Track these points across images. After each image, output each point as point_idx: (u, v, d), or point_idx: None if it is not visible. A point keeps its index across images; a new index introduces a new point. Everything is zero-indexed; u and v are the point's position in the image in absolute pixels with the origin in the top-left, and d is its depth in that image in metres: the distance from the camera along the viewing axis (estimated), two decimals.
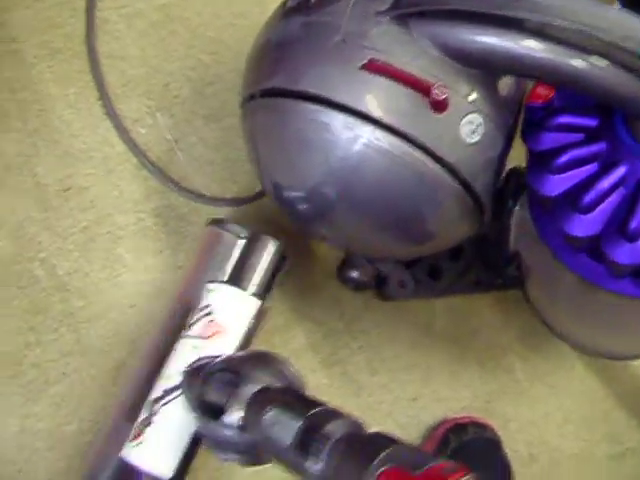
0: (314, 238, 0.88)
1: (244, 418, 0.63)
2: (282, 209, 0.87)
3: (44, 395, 0.89)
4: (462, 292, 1.02)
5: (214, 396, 0.66)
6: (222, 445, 0.67)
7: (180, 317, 0.83)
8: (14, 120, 0.94)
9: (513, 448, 0.99)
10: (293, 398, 0.63)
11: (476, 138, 0.73)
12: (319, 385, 0.96)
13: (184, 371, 0.74)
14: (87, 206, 0.94)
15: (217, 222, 0.90)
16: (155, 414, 0.76)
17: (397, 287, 0.95)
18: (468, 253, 0.99)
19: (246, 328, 0.81)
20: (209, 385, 0.67)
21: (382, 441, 0.54)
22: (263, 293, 0.85)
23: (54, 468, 0.88)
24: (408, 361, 1.00)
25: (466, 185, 0.74)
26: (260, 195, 0.97)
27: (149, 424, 0.76)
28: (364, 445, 0.54)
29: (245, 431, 0.63)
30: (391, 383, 0.99)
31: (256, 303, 0.83)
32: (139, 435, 0.77)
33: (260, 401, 0.62)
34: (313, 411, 0.58)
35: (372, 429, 0.88)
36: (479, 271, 1.00)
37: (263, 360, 0.69)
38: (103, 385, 0.90)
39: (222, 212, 0.96)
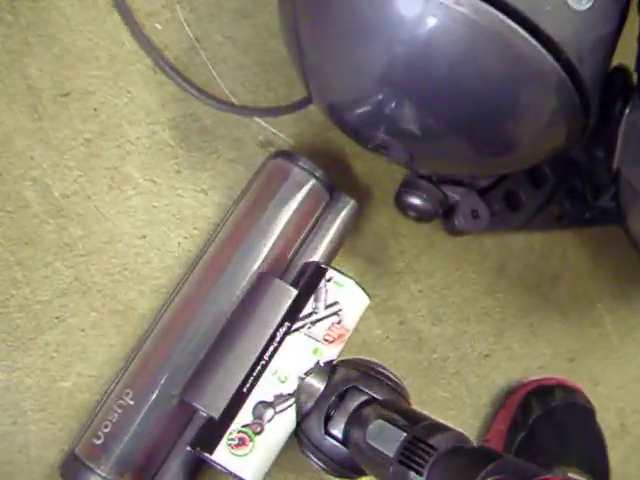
0: (371, 150, 0.69)
1: (345, 429, 0.63)
2: (332, 115, 0.70)
3: (34, 344, 0.72)
4: (543, 227, 0.85)
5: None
6: (319, 453, 0.64)
7: (233, 262, 0.71)
8: (1, 12, 0.76)
9: (602, 416, 0.82)
10: (398, 410, 0.60)
11: (586, 4, 0.56)
12: (372, 337, 0.79)
13: (301, 379, 0.66)
14: (90, 115, 0.76)
15: (285, 155, 0.75)
16: (267, 421, 0.64)
17: (468, 218, 0.77)
18: (551, 179, 0.81)
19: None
20: (329, 400, 0.65)
21: (489, 453, 0.50)
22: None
23: (47, 432, 0.71)
24: (478, 310, 0.82)
25: (570, 68, 0.58)
26: (300, 105, 0.79)
27: (260, 432, 0.64)
28: (470, 457, 0.50)
29: (345, 444, 0.62)
30: (458, 336, 0.81)
31: (367, 304, 0.71)
32: (245, 443, 0.63)
33: (365, 412, 0.61)
34: (419, 424, 0.56)
35: (435, 390, 0.72)
36: (563, 202, 0.82)
37: (370, 371, 0.66)
38: (106, 333, 0.73)
39: (253, 124, 0.78)
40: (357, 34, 0.59)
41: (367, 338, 0.78)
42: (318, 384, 0.65)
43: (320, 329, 0.67)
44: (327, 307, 0.68)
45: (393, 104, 0.60)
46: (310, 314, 0.67)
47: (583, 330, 0.88)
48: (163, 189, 0.76)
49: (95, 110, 0.76)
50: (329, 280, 0.68)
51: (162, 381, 0.68)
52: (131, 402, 0.68)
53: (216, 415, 0.64)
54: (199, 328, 0.70)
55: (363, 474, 0.64)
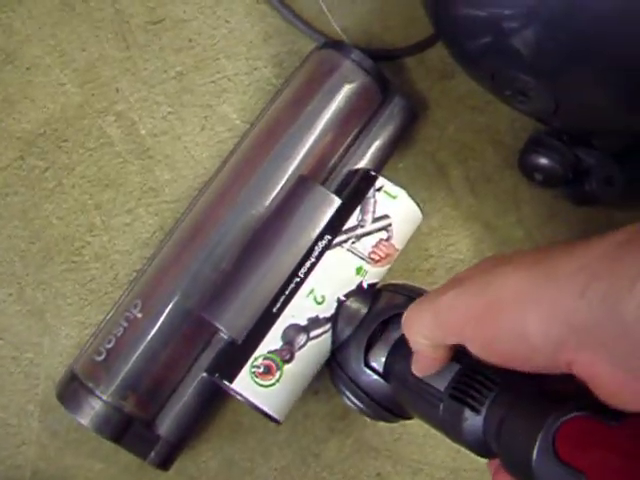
0: (506, 98, 0.57)
1: (387, 361, 0.51)
2: (466, 54, 0.57)
3: (110, 299, 0.60)
4: None
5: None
6: (355, 388, 0.52)
7: (268, 160, 0.58)
8: None
9: None
10: None
11: None
12: None
13: (340, 301, 0.54)
14: (184, 46, 0.64)
15: (335, 45, 0.62)
16: (298, 348, 0.52)
17: (602, 184, 0.64)
18: None
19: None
20: (371, 328, 0.52)
21: (564, 389, 0.37)
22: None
23: None
24: None
25: None
26: (418, 48, 0.66)
27: (289, 360, 0.52)
28: (541, 393, 0.38)
29: (386, 379, 0.51)
30: None
31: (419, 220, 0.58)
32: (272, 372, 0.51)
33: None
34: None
35: None
36: None
37: (417, 297, 0.49)
38: None
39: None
40: None
41: None
42: (360, 309, 0.53)
43: (366, 245, 0.54)
44: (375, 220, 0.55)
45: (547, 33, 0.49)
46: (355, 227, 0.54)
47: None
48: None
49: (190, 41, 0.65)
50: (379, 190, 0.55)
51: (177, 293, 0.56)
52: (139, 315, 0.55)
53: (239, 338, 0.52)
54: (224, 235, 0.57)
55: (403, 416, 0.52)
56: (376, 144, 0.62)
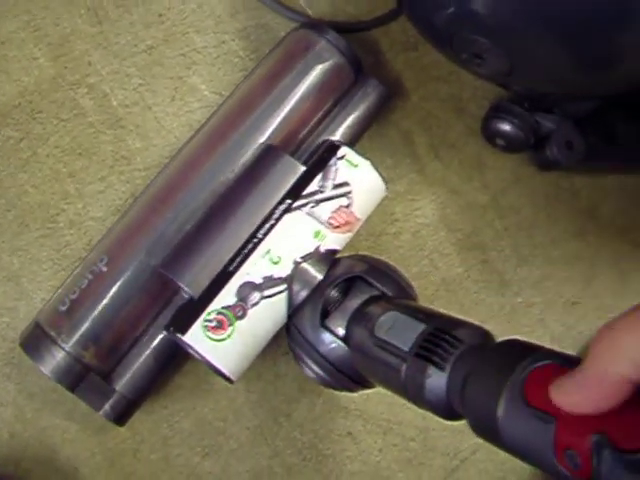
0: (464, 62, 0.57)
1: (347, 328, 0.50)
2: (425, 21, 0.58)
3: None
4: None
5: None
6: (313, 352, 0.51)
7: (240, 130, 0.58)
8: None
9: None
10: (411, 305, 0.49)
11: None
12: (452, 275, 0.66)
13: (296, 263, 0.53)
14: (154, 21, 0.65)
15: (312, 25, 0.62)
16: (251, 305, 0.51)
17: (562, 148, 0.65)
18: None
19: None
20: (327, 292, 0.52)
21: (526, 344, 0.37)
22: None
23: None
24: (567, 252, 0.69)
25: None
26: (382, 21, 0.67)
27: (242, 317, 0.51)
28: (506, 350, 0.38)
29: (347, 343, 0.50)
30: (544, 280, 0.68)
31: (383, 193, 0.58)
32: (224, 326, 0.51)
33: (372, 309, 0.49)
34: (438, 316, 0.44)
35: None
36: None
37: (380, 266, 0.53)
38: None
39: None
40: None
41: (447, 276, 0.66)
42: (316, 272, 0.53)
43: (325, 210, 0.54)
44: (335, 187, 0.55)
45: None
46: (315, 192, 0.54)
47: None
48: None
49: (160, 16, 0.65)
50: (341, 158, 0.55)
51: (143, 251, 0.56)
52: (104, 269, 0.56)
53: (196, 294, 0.52)
54: (192, 199, 0.57)
55: (364, 384, 0.51)
56: (347, 122, 0.62)
